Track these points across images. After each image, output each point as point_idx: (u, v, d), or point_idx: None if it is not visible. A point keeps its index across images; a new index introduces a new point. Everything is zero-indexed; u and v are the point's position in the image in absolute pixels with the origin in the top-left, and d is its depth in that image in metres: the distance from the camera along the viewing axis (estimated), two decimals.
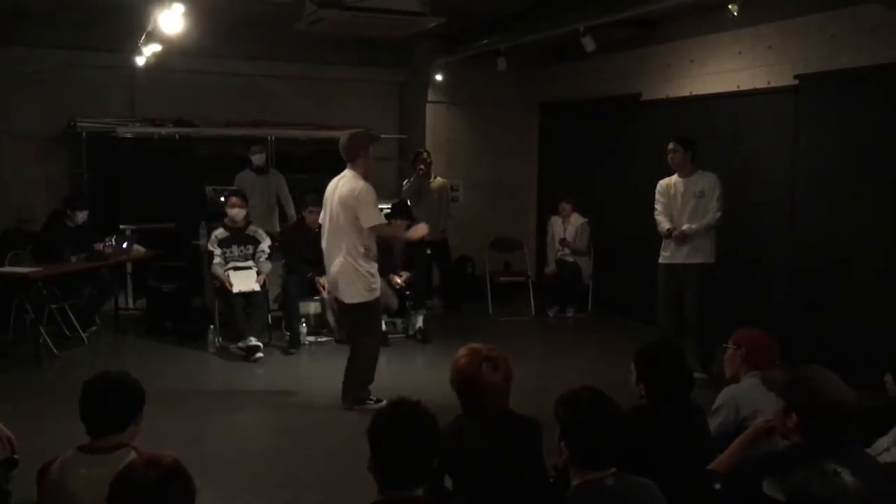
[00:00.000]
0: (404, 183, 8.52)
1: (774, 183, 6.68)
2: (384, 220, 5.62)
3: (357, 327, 5.55)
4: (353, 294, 5.37)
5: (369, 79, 9.66)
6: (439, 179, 8.66)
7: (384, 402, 5.44)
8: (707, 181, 6.20)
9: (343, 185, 5.35)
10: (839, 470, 1.94)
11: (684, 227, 6.17)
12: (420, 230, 5.87)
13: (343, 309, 5.58)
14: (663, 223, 6.32)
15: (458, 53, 8.78)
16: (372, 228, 5.31)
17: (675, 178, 6.34)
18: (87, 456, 2.50)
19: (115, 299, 7.88)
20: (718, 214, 6.14)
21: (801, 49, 6.46)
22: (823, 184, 6.28)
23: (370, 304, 5.42)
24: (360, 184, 5.29)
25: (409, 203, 8.20)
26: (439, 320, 8.11)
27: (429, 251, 8.10)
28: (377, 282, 5.46)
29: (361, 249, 5.32)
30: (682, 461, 2.78)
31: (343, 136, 5.49)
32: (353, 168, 5.37)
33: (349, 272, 5.32)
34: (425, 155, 8.47)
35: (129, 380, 2.67)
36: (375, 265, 5.42)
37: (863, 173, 5.93)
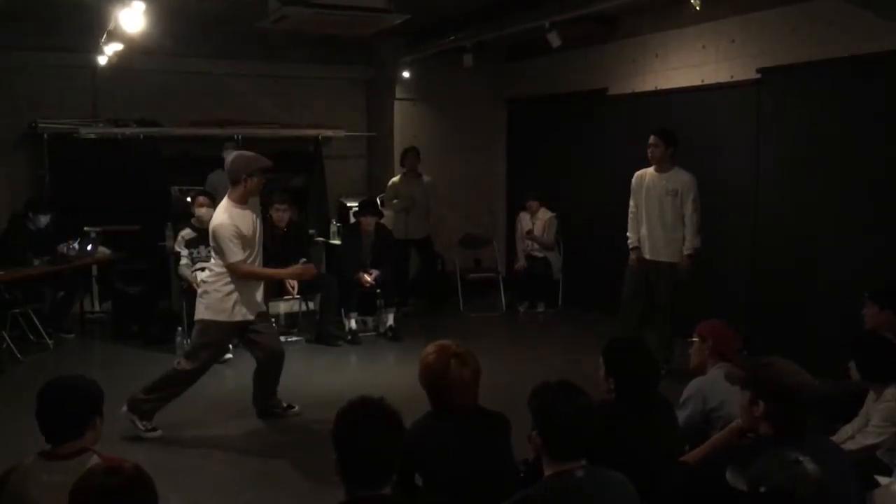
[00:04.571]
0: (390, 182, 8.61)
1: (737, 175, 6.75)
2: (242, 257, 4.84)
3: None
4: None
5: (335, 76, 9.60)
6: (426, 177, 8.66)
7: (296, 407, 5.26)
8: (682, 180, 6.01)
9: (215, 214, 4.88)
10: (800, 458, 1.96)
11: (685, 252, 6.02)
12: (307, 273, 5.33)
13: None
14: (631, 236, 6.26)
15: (424, 50, 8.75)
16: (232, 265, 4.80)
17: (650, 170, 6.18)
18: (48, 462, 2.46)
19: (81, 303, 7.77)
20: (695, 216, 5.96)
21: (762, 43, 6.53)
22: (785, 175, 6.36)
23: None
24: (224, 218, 4.76)
25: (379, 201, 8.22)
26: (410, 318, 8.10)
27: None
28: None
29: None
30: (648, 454, 2.80)
31: (229, 155, 5.09)
32: (233, 190, 4.84)
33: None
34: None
35: (82, 383, 2.62)
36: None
37: (824, 164, 6.01)
